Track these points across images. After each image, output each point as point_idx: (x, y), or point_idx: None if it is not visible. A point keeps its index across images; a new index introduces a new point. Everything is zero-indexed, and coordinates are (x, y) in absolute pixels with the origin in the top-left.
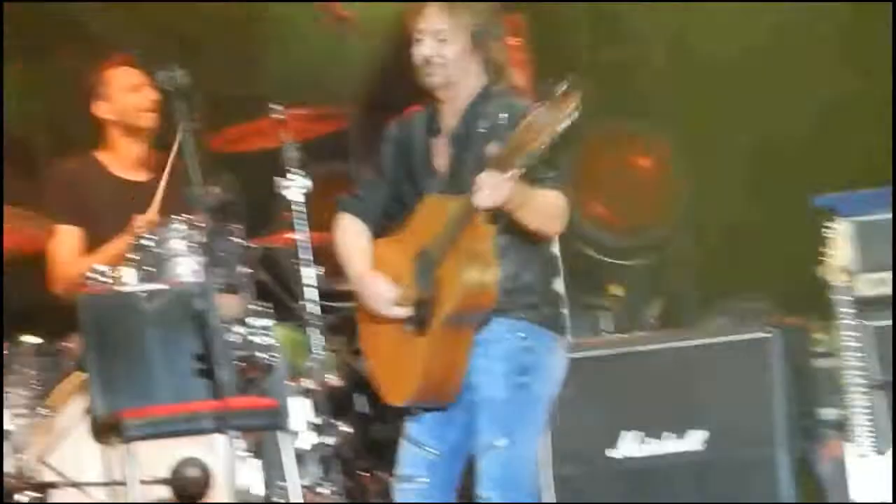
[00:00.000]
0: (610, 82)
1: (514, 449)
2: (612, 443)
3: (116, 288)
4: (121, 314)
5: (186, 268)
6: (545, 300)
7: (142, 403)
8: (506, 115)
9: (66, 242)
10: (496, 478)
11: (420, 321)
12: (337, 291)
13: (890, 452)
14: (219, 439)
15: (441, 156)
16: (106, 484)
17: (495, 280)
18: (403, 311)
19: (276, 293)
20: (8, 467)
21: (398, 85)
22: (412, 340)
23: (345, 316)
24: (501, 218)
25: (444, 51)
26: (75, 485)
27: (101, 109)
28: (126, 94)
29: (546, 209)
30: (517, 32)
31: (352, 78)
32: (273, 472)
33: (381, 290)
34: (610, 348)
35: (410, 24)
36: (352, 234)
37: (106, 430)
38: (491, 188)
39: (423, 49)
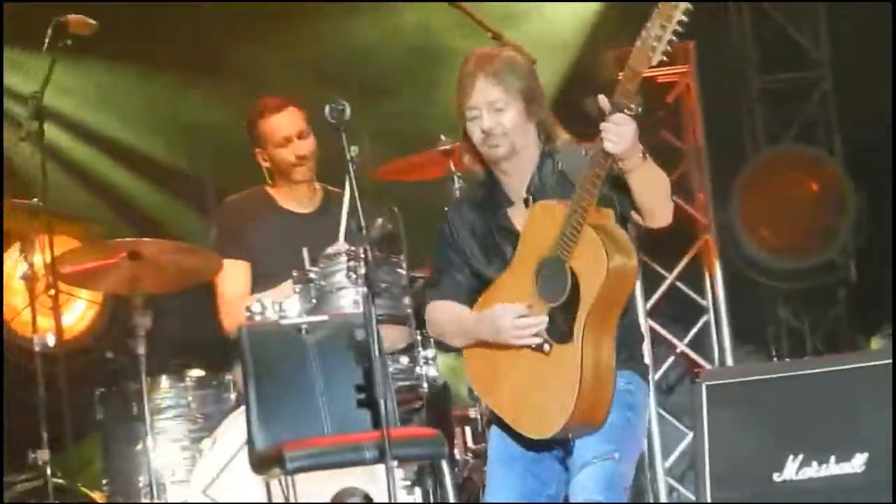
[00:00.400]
0: (778, 106)
1: (621, 464)
2: (778, 467)
3: (279, 320)
4: (282, 346)
5: (349, 299)
6: (638, 342)
7: (303, 434)
8: (578, 166)
9: (234, 277)
10: (603, 484)
11: (560, 330)
12: None
13: None
14: (380, 469)
15: (521, 221)
16: None
17: (634, 257)
18: (541, 323)
19: None
20: (173, 500)
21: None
22: (551, 359)
23: None
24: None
25: (503, 120)
26: None
27: (261, 157)
28: (278, 150)
29: (661, 180)
30: (687, 59)
31: None
32: (434, 500)
33: (506, 315)
34: (774, 372)
35: (461, 102)
36: (445, 308)
37: (267, 461)
38: (616, 133)
39: (482, 123)
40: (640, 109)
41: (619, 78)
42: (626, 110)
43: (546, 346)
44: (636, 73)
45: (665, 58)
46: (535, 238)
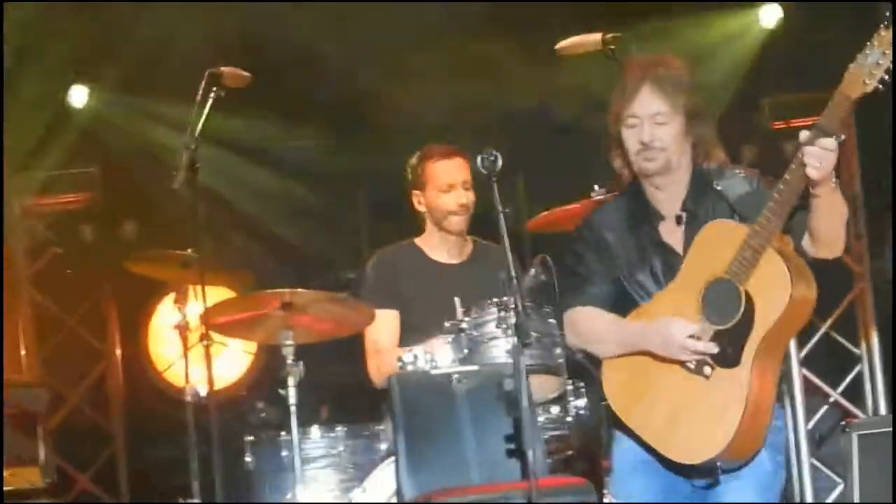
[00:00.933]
0: None
1: None
2: None
3: (429, 370)
4: (433, 396)
5: (501, 349)
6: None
7: (451, 484)
8: (736, 189)
9: (385, 328)
10: None
11: (725, 354)
12: None
13: None
14: None
15: (672, 238)
16: None
17: (815, 288)
18: (710, 346)
19: (592, 371)
20: None
21: None
22: (710, 383)
23: None
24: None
25: (663, 134)
26: None
27: (417, 200)
28: (439, 195)
29: (843, 209)
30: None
31: None
32: None
33: (674, 329)
34: None
35: (621, 107)
36: (597, 314)
37: None
38: (820, 158)
39: (641, 134)
40: (843, 138)
41: (829, 103)
42: (833, 137)
43: (707, 370)
44: (848, 99)
45: (881, 86)
46: (704, 257)
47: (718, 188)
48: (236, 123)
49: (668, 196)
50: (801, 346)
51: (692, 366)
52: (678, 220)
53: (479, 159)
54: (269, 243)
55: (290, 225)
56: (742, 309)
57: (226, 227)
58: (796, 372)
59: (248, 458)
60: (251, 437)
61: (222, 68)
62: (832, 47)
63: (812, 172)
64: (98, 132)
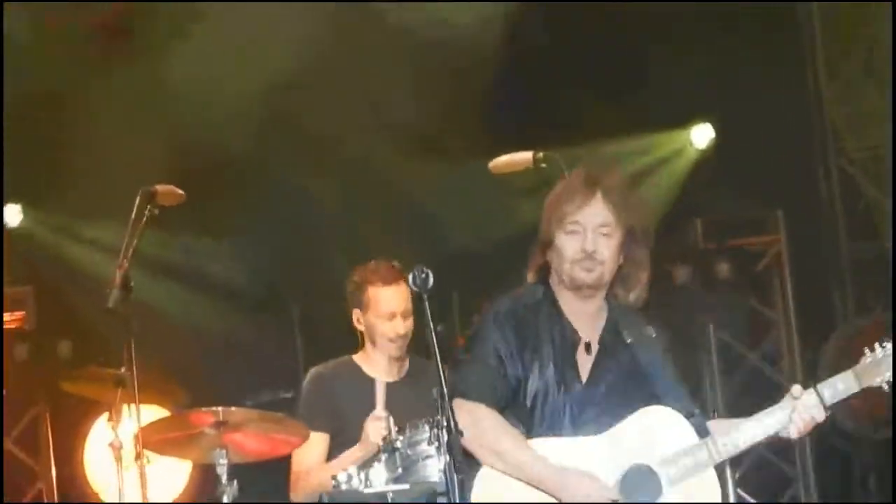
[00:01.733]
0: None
1: None
2: None
3: (363, 489)
4: None
5: (435, 468)
6: None
7: None
8: (653, 331)
9: (313, 450)
10: None
11: None
12: None
13: None
14: None
15: (580, 366)
16: None
17: None
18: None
19: None
20: None
21: None
22: None
23: None
24: None
25: (605, 247)
26: None
27: (356, 318)
28: (379, 321)
29: None
30: (776, 228)
31: None
32: None
33: (597, 491)
34: None
35: (564, 213)
36: (504, 427)
37: None
38: (808, 425)
39: (585, 243)
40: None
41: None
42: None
43: None
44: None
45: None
46: (642, 437)
47: (628, 341)
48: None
49: (583, 317)
50: (733, 468)
51: None
52: (587, 347)
53: (410, 277)
54: (203, 361)
55: (225, 343)
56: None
57: (160, 345)
58: (731, 491)
59: None
60: None
61: (157, 186)
62: (765, 166)
63: (794, 433)
64: (31, 251)
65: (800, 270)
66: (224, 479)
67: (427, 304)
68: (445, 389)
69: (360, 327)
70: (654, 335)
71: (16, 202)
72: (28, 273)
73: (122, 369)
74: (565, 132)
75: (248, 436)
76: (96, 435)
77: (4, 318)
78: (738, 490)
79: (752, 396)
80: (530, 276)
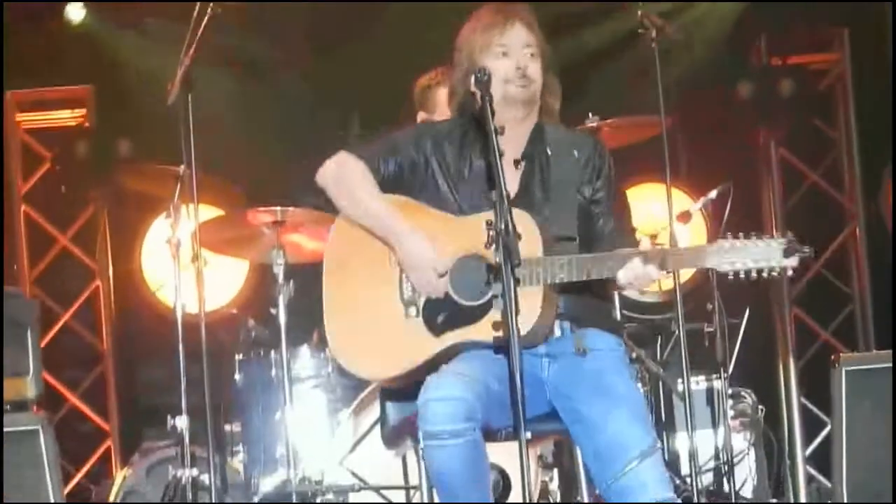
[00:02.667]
0: None
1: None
2: None
3: None
4: None
5: None
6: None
7: None
8: (576, 150)
9: None
10: (664, 478)
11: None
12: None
13: None
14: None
15: (509, 179)
16: (402, 487)
17: None
18: (443, 287)
19: None
20: (310, 471)
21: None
22: (416, 329)
23: (651, 325)
24: None
25: (534, 66)
26: (374, 488)
27: (420, 119)
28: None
29: None
30: (840, 46)
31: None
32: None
33: (430, 262)
34: None
35: (486, 40)
36: (372, 183)
37: (399, 435)
38: (642, 279)
39: (518, 60)
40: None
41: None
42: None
43: (413, 311)
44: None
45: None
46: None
47: (549, 148)
48: (231, 41)
49: (511, 136)
50: (793, 285)
51: (409, 293)
52: (515, 164)
53: (472, 78)
54: (263, 162)
55: (284, 144)
56: (483, 304)
57: (220, 144)
58: (788, 312)
59: (237, 377)
60: (241, 356)
61: None
62: None
63: (623, 283)
64: (93, 49)
65: (863, 91)
66: (280, 279)
67: (488, 104)
68: (504, 190)
69: None
70: (573, 156)
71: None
72: (89, 71)
73: (182, 167)
74: None
75: (306, 236)
76: (154, 233)
77: (65, 116)
78: (795, 309)
79: (812, 214)
80: (452, 112)
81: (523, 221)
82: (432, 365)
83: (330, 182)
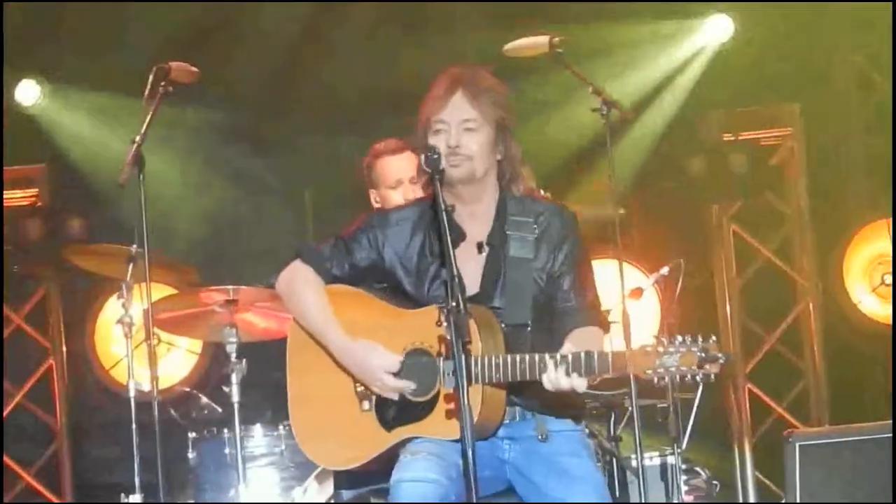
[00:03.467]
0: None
1: None
2: None
3: None
4: None
5: None
6: None
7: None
8: (537, 225)
9: None
10: None
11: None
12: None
13: None
14: None
15: (468, 266)
16: None
17: None
18: (408, 385)
19: None
20: None
21: None
22: (370, 422)
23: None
24: None
25: (470, 140)
26: None
27: (374, 198)
28: (389, 190)
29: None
30: (792, 121)
31: None
32: None
33: (383, 362)
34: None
35: (429, 113)
36: (316, 291)
37: None
38: (564, 385)
39: (449, 138)
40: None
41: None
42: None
43: (367, 405)
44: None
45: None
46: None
47: (514, 218)
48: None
49: (472, 218)
50: (747, 360)
51: (361, 388)
52: (479, 247)
53: (422, 157)
54: (214, 242)
55: (237, 224)
56: (431, 398)
57: (172, 224)
58: (742, 387)
59: (190, 455)
60: (194, 434)
61: (171, 63)
62: (784, 62)
63: (547, 383)
64: (45, 128)
65: (815, 166)
66: (233, 357)
67: (439, 184)
68: (455, 270)
69: (378, 206)
70: (534, 234)
71: (31, 78)
72: (41, 150)
73: (134, 246)
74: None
75: (258, 314)
76: (107, 312)
77: (17, 195)
78: (749, 384)
79: (765, 289)
80: (422, 185)
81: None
82: (387, 457)
83: (284, 291)
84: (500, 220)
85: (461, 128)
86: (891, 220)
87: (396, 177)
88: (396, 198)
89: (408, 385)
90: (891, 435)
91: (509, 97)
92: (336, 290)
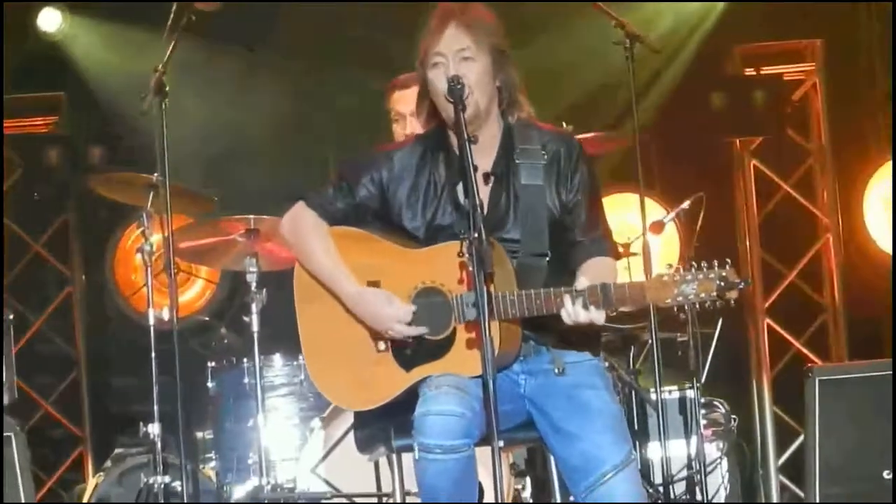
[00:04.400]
0: None
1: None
2: (888, 464)
3: None
4: None
5: None
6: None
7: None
8: (545, 152)
9: None
10: (638, 490)
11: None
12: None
13: None
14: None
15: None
16: (375, 495)
17: None
18: (420, 330)
19: None
20: (283, 479)
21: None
22: (388, 363)
23: (623, 335)
24: None
25: (469, 70)
26: (346, 496)
27: (396, 134)
28: (394, 124)
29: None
30: (814, 57)
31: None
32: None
33: (396, 312)
34: (887, 368)
35: (426, 48)
36: (323, 237)
37: (372, 441)
38: (583, 318)
39: (448, 70)
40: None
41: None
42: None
43: (382, 345)
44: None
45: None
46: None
47: (520, 147)
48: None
49: (475, 149)
50: (766, 295)
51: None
52: (486, 178)
53: (446, 87)
54: (235, 170)
55: (258, 153)
56: (447, 336)
57: (193, 152)
58: (760, 322)
59: (209, 385)
60: (213, 364)
61: None
62: None
63: (567, 317)
64: (67, 56)
65: (836, 102)
66: (253, 287)
67: (462, 114)
68: (478, 199)
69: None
70: (543, 161)
71: (54, 5)
72: (62, 77)
73: (155, 175)
74: None
75: (279, 244)
76: (127, 242)
77: (38, 123)
78: (768, 319)
79: (785, 225)
80: (423, 125)
81: (497, 252)
82: (406, 397)
83: (287, 236)
84: (505, 149)
85: (458, 57)
86: None
87: (399, 109)
88: (398, 131)
89: (422, 331)
90: None
91: (501, 25)
92: (341, 233)
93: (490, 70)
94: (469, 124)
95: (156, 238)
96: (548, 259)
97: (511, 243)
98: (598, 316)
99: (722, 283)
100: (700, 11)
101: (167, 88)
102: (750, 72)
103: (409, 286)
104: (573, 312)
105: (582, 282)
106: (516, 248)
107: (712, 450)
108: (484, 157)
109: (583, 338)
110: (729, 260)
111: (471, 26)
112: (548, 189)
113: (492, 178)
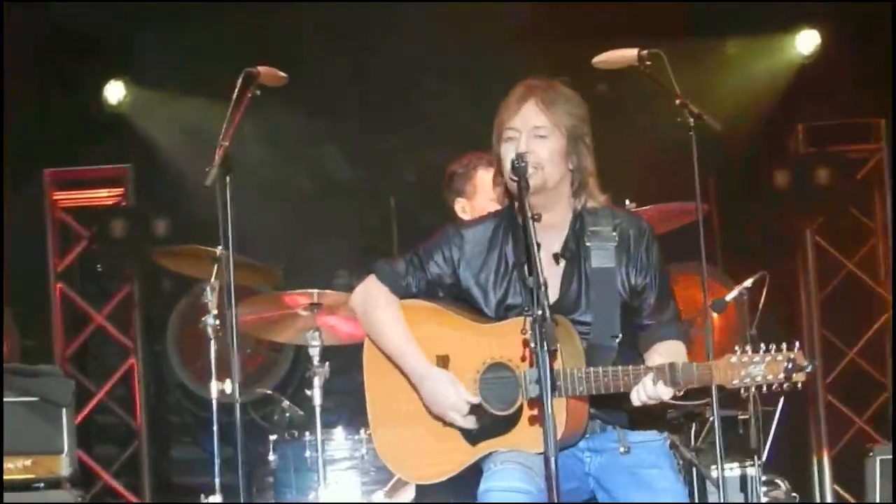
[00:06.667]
0: None
1: None
2: None
3: None
4: None
5: None
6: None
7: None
8: (616, 233)
9: None
10: None
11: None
12: None
13: None
14: None
15: (548, 274)
16: None
17: None
18: (469, 421)
19: None
20: None
21: None
22: (454, 437)
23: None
24: None
25: (540, 147)
26: None
27: (461, 207)
28: (489, 203)
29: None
30: (878, 136)
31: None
32: None
33: (454, 400)
34: None
35: (501, 121)
36: (393, 311)
37: None
38: (651, 396)
39: (519, 145)
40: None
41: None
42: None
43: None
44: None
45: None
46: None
47: (592, 230)
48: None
49: (544, 228)
50: (827, 373)
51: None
52: (556, 259)
53: (509, 165)
54: (299, 244)
55: (321, 226)
56: (514, 412)
57: (257, 226)
58: (821, 400)
59: (271, 458)
60: (275, 437)
61: (259, 67)
62: (868, 75)
63: (635, 397)
64: (132, 129)
65: None
66: (316, 360)
67: (525, 192)
68: (542, 277)
69: (465, 216)
70: (614, 242)
71: (119, 79)
72: (128, 151)
73: (219, 248)
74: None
75: (342, 318)
76: (189, 314)
77: (103, 195)
78: (829, 396)
79: (847, 303)
80: (498, 200)
81: (565, 329)
82: (470, 471)
83: (358, 308)
84: (576, 231)
85: (531, 135)
86: None
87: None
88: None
89: (471, 424)
90: None
91: (585, 109)
92: (412, 306)
93: (563, 151)
94: (535, 201)
95: (220, 309)
96: (619, 340)
97: (583, 325)
98: (665, 392)
99: (790, 366)
100: (764, 88)
101: (231, 162)
102: (813, 150)
103: (478, 361)
104: (642, 391)
105: (652, 360)
106: (587, 330)
107: None
108: (554, 237)
109: (649, 417)
110: (797, 342)
111: (550, 105)
112: (618, 271)
113: (562, 261)
